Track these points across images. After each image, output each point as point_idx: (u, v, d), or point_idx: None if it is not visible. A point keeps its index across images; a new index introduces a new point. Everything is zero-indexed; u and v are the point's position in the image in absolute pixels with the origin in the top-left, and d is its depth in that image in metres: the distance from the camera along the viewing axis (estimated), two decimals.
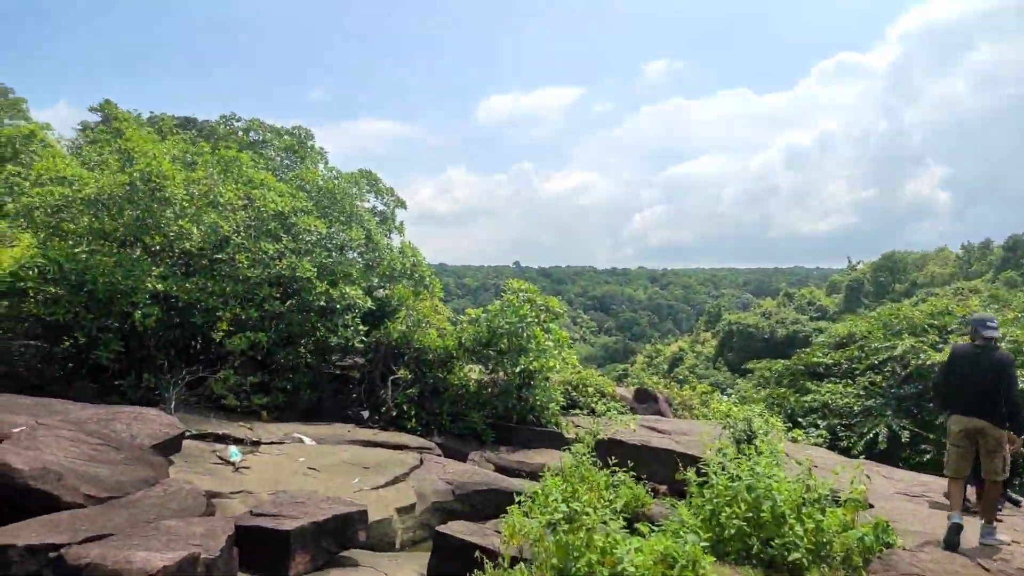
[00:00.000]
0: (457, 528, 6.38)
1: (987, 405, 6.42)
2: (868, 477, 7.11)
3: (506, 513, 5.71)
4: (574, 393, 16.22)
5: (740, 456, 7.09)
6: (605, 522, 5.51)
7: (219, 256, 13.50)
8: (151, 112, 23.92)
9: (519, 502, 5.84)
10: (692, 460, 9.05)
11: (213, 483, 7.75)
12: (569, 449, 9.20)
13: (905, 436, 14.98)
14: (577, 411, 15.67)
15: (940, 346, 16.76)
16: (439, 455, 11.44)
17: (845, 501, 6.72)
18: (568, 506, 5.67)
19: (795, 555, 5.84)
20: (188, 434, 9.89)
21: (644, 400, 17.35)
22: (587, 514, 5.46)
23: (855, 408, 16.62)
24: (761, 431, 9.78)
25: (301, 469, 9.07)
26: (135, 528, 4.94)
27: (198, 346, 13.97)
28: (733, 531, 6.06)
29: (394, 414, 13.53)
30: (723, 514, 6.20)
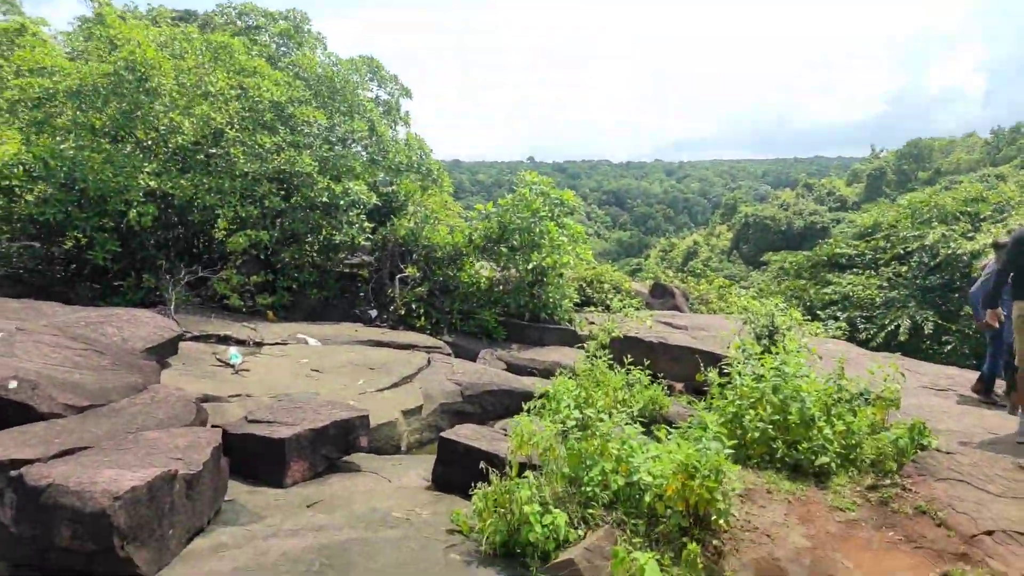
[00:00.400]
0: (463, 433, 6.04)
1: None
2: (903, 375, 6.62)
3: (517, 414, 5.35)
4: (588, 289, 15.77)
5: (765, 354, 6.60)
6: (621, 427, 5.13)
7: (214, 151, 12.81)
8: (148, 5, 22.51)
9: (528, 409, 5.44)
10: (711, 358, 8.67)
11: (211, 387, 7.45)
12: (583, 347, 8.84)
13: (928, 328, 14.55)
14: (592, 308, 15.28)
15: (971, 235, 16.01)
16: (449, 354, 11.14)
17: (875, 400, 6.29)
18: (581, 412, 5.27)
19: (823, 459, 5.47)
20: (188, 336, 9.59)
21: (660, 295, 16.90)
22: (602, 420, 5.05)
23: (877, 300, 16.11)
24: (784, 326, 9.34)
25: (304, 371, 8.75)
26: (114, 440, 4.59)
27: (200, 246, 13.54)
28: (757, 435, 5.67)
29: (403, 313, 13.19)
30: (747, 416, 5.79)
